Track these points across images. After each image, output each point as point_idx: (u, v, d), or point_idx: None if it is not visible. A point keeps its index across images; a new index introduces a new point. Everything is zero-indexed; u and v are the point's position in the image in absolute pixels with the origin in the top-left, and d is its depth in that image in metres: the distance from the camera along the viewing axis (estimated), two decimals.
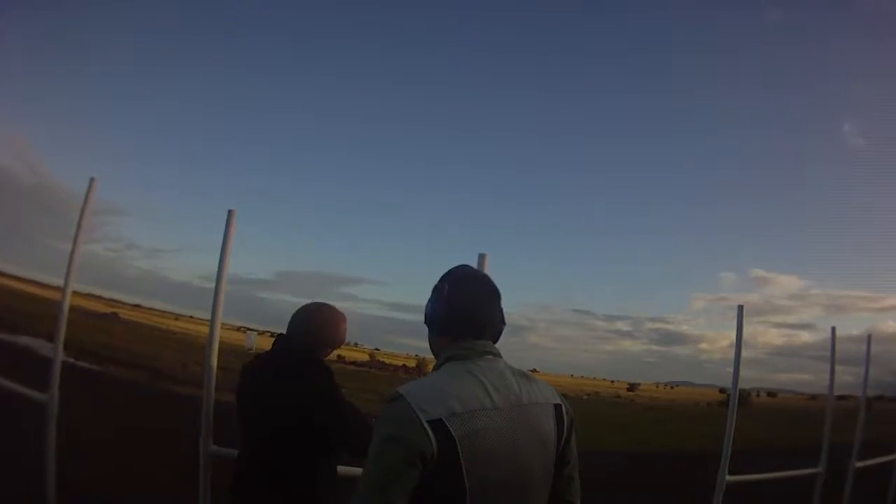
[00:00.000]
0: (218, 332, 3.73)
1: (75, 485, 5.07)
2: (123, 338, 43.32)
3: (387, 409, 1.65)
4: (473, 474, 1.60)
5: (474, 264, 3.82)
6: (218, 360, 3.72)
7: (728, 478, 5.12)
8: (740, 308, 5.36)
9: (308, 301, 3.03)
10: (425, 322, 2.02)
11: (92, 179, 4.08)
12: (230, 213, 3.83)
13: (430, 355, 2.03)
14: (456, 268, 2.07)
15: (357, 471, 2.89)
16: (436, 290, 2.00)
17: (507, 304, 2.04)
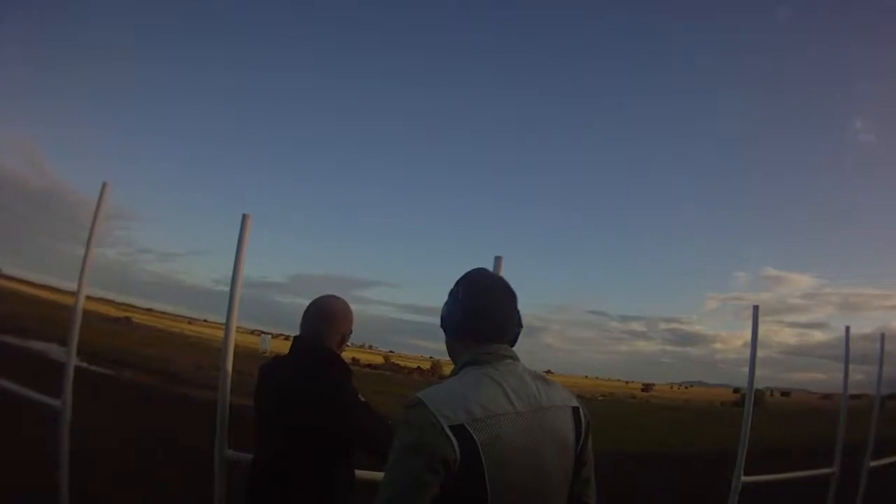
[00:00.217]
0: (233, 337, 3.71)
1: (89, 491, 5.07)
2: (137, 342, 43.44)
3: (407, 415, 1.63)
4: (495, 479, 1.58)
5: (490, 267, 3.81)
6: (233, 364, 3.71)
7: (743, 478, 5.09)
8: (755, 308, 5.31)
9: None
10: (441, 326, 2.02)
11: (104, 184, 4.07)
12: (245, 217, 3.82)
13: (445, 357, 2.02)
14: (471, 271, 2.05)
15: (376, 475, 2.88)
16: (451, 294, 2.00)
17: (522, 306, 2.03)
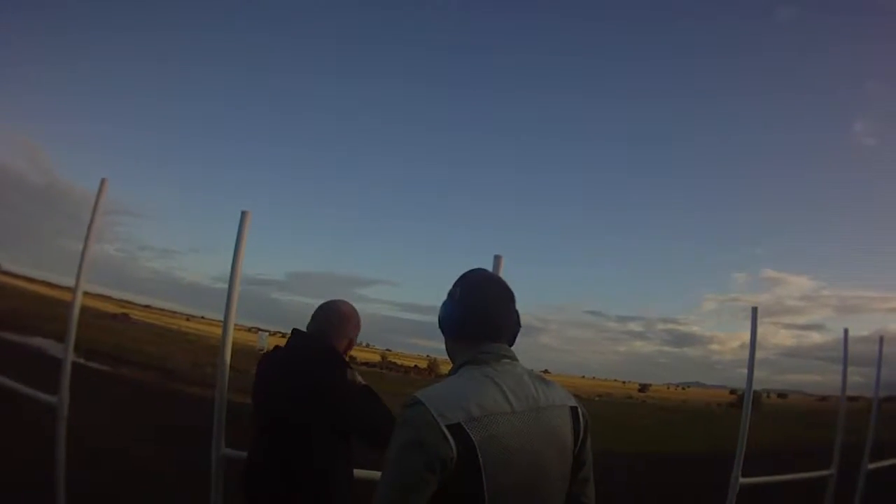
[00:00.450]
0: (231, 335, 3.70)
1: (87, 488, 5.05)
2: (134, 338, 43.53)
3: (405, 414, 1.64)
4: (492, 478, 1.59)
5: (489, 266, 3.80)
6: (230, 362, 3.70)
7: (741, 480, 5.09)
8: (754, 310, 5.30)
9: (322, 301, 3.03)
10: (440, 327, 2.02)
11: (103, 180, 4.07)
12: (244, 214, 3.81)
13: (442, 356, 2.03)
14: (469, 272, 2.05)
15: (374, 474, 2.88)
16: (450, 294, 2.00)
17: (520, 306, 2.04)
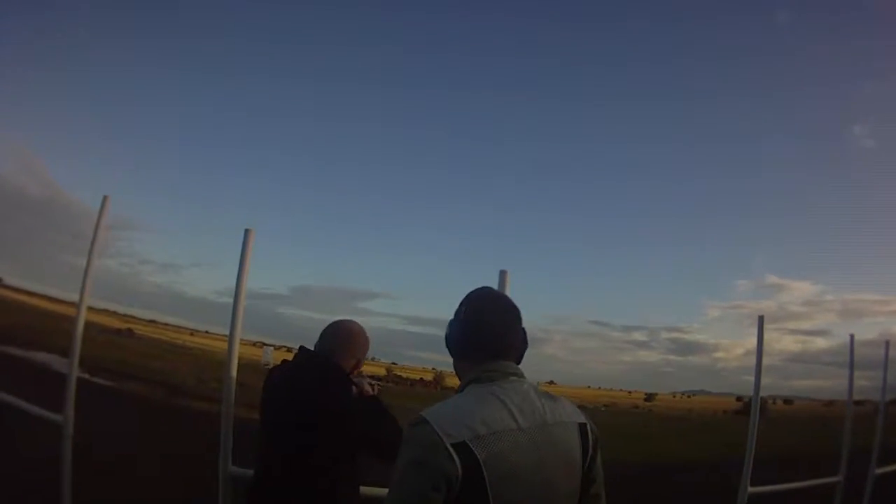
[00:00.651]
0: (237, 354, 3.71)
1: None
2: (139, 353, 43.47)
3: (410, 433, 1.65)
4: (499, 495, 1.59)
5: (495, 281, 3.79)
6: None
7: (750, 489, 5.06)
8: (761, 319, 5.31)
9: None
10: (446, 346, 2.03)
11: (105, 197, 4.09)
12: (247, 232, 3.81)
13: (447, 368, 2.03)
14: (475, 290, 2.06)
15: (381, 491, 2.87)
16: (456, 313, 2.01)
17: (524, 317, 2.04)
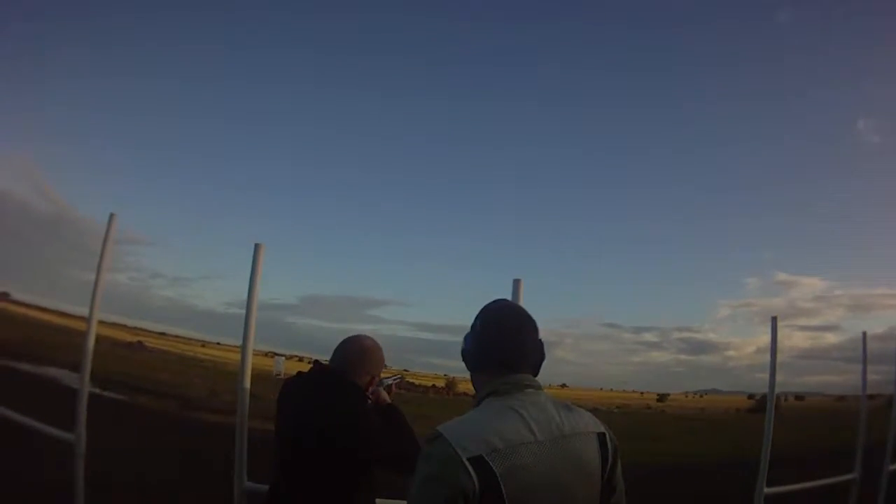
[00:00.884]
0: (249, 369, 3.72)
1: None
2: (150, 366, 43.57)
3: (427, 449, 1.66)
4: None
5: (509, 289, 3.78)
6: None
7: (766, 490, 5.03)
8: (774, 319, 5.32)
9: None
10: (463, 359, 2.05)
11: (111, 215, 4.10)
12: (257, 246, 3.83)
13: (459, 374, 2.04)
14: (490, 303, 2.08)
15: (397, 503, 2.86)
16: (472, 327, 2.02)
17: (536, 321, 2.05)
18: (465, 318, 2.06)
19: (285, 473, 2.70)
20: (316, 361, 2.90)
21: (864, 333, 6.60)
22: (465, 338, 2.04)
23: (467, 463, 1.57)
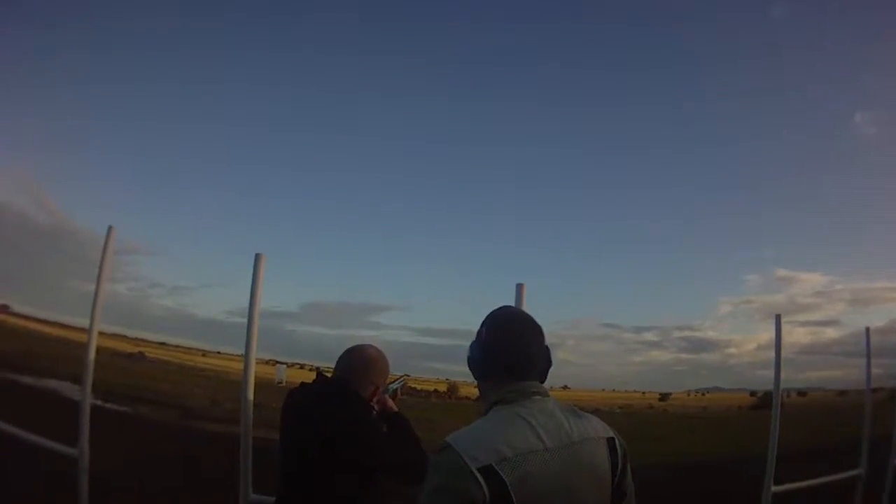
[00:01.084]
0: (252, 380, 3.69)
1: None
2: (152, 377, 43.49)
3: (435, 459, 1.66)
4: None
5: (511, 294, 3.76)
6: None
7: (773, 488, 5.03)
8: (778, 318, 5.33)
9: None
10: (469, 368, 2.04)
11: (110, 228, 4.10)
12: (258, 256, 3.83)
13: (461, 379, 2.04)
14: (495, 310, 2.07)
15: None
16: (477, 335, 2.02)
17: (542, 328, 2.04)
18: (467, 321, 2.06)
19: (291, 485, 2.69)
20: (319, 372, 2.89)
21: (868, 328, 6.63)
22: (471, 346, 2.03)
23: (477, 473, 1.56)
